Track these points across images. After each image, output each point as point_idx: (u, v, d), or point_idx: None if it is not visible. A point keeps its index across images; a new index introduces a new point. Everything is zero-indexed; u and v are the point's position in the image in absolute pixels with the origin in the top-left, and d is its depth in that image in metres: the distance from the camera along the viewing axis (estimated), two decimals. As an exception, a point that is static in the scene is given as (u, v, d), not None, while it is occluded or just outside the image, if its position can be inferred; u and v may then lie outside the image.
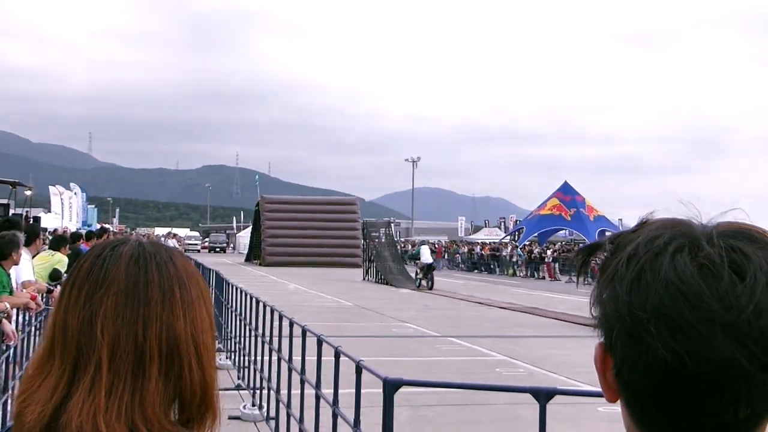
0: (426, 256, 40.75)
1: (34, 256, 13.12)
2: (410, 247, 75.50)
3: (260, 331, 11.26)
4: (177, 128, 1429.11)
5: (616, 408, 1.40)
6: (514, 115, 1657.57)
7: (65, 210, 61.93)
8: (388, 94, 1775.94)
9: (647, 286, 1.31)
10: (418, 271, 40.89)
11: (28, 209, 36.87)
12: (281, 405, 9.29)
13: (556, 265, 57.15)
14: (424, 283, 40.42)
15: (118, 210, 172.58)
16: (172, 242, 55.31)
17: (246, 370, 12.96)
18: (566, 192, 50.03)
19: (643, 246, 1.35)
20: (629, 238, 1.39)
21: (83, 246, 18.10)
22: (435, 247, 67.99)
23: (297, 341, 8.77)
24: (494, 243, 71.12)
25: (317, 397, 7.45)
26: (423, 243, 46.85)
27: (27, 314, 10.41)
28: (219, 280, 18.15)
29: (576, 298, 35.47)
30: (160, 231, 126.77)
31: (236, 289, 14.80)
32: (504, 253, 63.52)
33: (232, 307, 15.28)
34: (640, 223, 1.42)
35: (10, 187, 35.01)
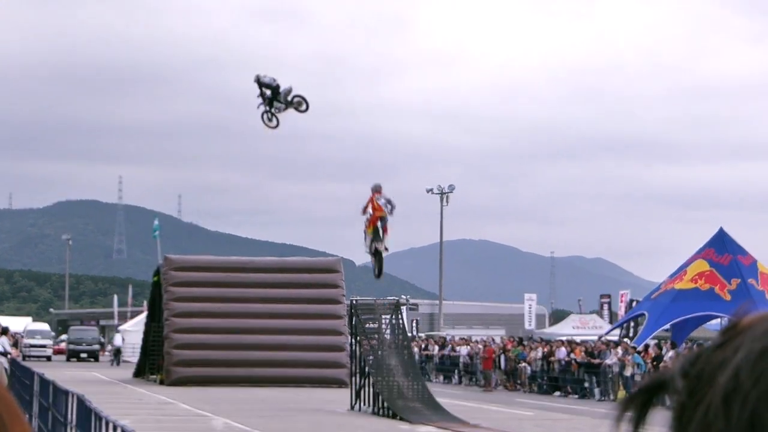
0: None
1: None
2: (437, 348, 59.40)
3: None
4: (11, 135, 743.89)
5: None
6: (624, 109, 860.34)
7: None
8: (390, 62, 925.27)
9: None
10: None
11: None
12: None
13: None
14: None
15: None
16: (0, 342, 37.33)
17: None
18: (722, 247, 43.08)
19: (747, 373, 0.94)
20: (717, 361, 0.96)
21: None
22: (482, 349, 53.99)
23: None
24: (591, 343, 54.22)
25: None
26: None
27: None
28: (84, 414, 14.53)
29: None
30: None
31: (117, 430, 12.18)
32: (609, 361, 47.71)
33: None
34: (728, 329, 1.01)
35: None
